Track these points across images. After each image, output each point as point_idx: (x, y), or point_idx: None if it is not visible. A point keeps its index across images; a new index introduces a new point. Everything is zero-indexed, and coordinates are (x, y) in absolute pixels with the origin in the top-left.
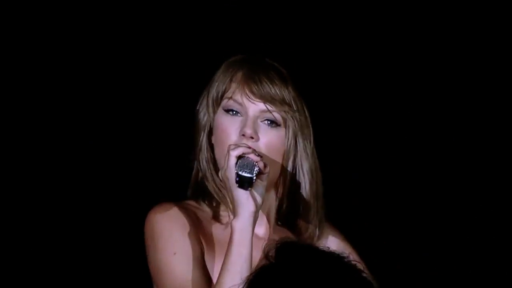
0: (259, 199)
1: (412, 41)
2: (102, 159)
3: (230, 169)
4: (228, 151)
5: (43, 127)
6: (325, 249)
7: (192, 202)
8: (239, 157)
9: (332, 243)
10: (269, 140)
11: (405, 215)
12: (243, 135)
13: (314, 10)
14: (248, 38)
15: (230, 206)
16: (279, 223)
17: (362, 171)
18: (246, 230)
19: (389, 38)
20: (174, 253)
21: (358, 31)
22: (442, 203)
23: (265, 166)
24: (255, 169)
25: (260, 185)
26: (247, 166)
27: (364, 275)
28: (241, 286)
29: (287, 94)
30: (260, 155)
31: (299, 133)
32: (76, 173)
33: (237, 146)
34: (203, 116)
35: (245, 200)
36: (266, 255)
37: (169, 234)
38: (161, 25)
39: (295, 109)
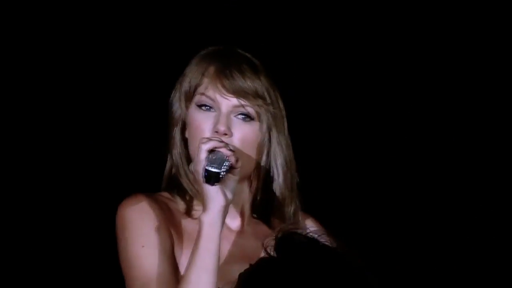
0: (229, 194)
1: (412, 38)
2: (78, 151)
3: (201, 163)
4: (199, 145)
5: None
6: (325, 241)
7: (166, 194)
8: (211, 151)
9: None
10: (243, 135)
11: (405, 215)
12: (217, 131)
13: (309, 9)
14: (243, 37)
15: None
16: (254, 215)
17: (361, 171)
18: (215, 225)
19: (391, 37)
20: (142, 246)
21: (359, 31)
22: (441, 204)
23: (237, 160)
24: (224, 164)
25: (232, 179)
26: (216, 161)
27: (365, 270)
28: (238, 280)
29: (260, 86)
30: (232, 149)
31: (273, 126)
32: (50, 163)
33: (208, 139)
34: (176, 110)
35: (214, 194)
36: (265, 249)
37: (138, 227)
38: (140, 17)
39: (268, 101)
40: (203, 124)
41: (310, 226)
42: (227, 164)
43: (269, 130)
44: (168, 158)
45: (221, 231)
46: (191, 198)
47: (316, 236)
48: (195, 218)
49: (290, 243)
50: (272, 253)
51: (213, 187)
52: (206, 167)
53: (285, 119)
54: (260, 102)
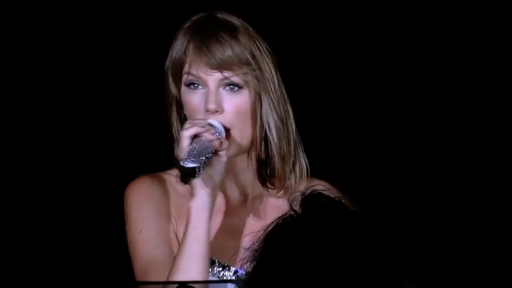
0: (217, 176)
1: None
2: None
3: (182, 150)
4: (181, 131)
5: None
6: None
7: (174, 172)
8: (194, 137)
9: None
10: (235, 107)
11: (405, 215)
12: (208, 111)
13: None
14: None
15: None
16: (268, 185)
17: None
18: (203, 211)
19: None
20: (140, 231)
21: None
22: (441, 203)
23: (221, 143)
24: (205, 153)
25: (219, 161)
26: (194, 151)
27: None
28: (260, 237)
29: (242, 52)
30: (217, 132)
31: (262, 89)
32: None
33: (192, 124)
34: (170, 90)
35: (201, 181)
36: (290, 204)
37: (137, 212)
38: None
39: (253, 65)
40: (195, 105)
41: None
42: (209, 151)
43: (258, 95)
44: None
45: (210, 216)
46: None
47: (344, 200)
48: None
49: (317, 201)
50: (297, 209)
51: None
52: (182, 163)
53: (275, 76)
54: (244, 69)
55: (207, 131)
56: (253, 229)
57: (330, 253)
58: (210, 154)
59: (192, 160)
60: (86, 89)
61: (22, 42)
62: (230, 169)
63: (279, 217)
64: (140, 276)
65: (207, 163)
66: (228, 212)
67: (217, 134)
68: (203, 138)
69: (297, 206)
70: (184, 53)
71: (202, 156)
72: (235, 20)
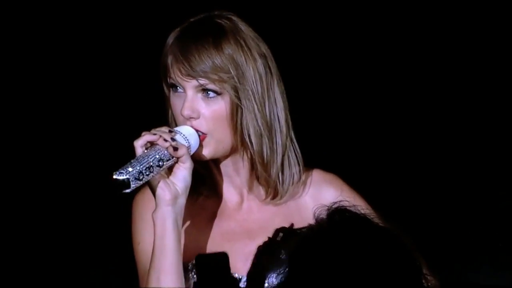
0: (181, 184)
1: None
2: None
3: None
4: (133, 143)
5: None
6: (378, 222)
7: None
8: (151, 144)
9: (328, 195)
10: (212, 113)
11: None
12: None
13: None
14: None
15: None
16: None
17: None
18: (166, 221)
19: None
20: (139, 243)
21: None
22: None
23: (175, 149)
24: (146, 165)
25: (181, 167)
26: (133, 163)
27: (414, 257)
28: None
29: (222, 61)
30: (171, 138)
31: (241, 98)
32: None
33: (145, 133)
34: (164, 89)
35: (160, 189)
36: (316, 219)
37: (137, 224)
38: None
39: (234, 72)
40: (176, 108)
41: (327, 191)
42: (160, 160)
43: (235, 103)
44: None
45: (176, 225)
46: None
47: (368, 215)
48: (200, 198)
49: (343, 216)
50: (324, 224)
51: (159, 181)
52: (113, 175)
53: (260, 83)
54: (222, 77)
55: (159, 138)
56: (249, 233)
57: (358, 267)
58: (163, 163)
59: (121, 172)
60: (85, 88)
61: (20, 41)
62: (225, 171)
63: (305, 228)
64: (140, 285)
65: (154, 172)
66: (225, 215)
67: (186, 140)
68: (156, 147)
69: (323, 221)
70: (167, 56)
71: (139, 167)
72: (228, 23)
